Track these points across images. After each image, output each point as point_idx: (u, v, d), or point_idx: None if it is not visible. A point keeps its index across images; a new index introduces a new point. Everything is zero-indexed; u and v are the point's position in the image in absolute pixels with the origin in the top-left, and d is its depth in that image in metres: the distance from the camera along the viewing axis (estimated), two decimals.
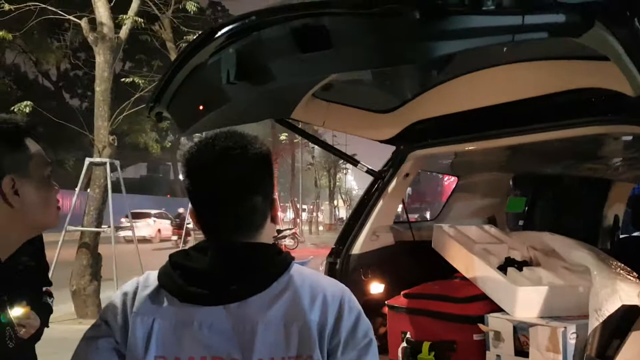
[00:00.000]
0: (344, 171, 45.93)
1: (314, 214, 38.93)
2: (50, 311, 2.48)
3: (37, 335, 2.20)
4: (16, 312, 1.48)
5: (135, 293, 1.13)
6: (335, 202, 46.64)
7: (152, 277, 1.15)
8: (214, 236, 1.16)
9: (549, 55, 2.23)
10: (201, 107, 2.21)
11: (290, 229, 23.23)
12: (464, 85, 2.55)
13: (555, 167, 3.62)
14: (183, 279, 1.11)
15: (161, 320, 1.09)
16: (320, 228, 38.29)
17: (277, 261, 1.14)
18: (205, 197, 1.15)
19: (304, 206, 41.67)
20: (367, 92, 2.82)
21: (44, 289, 2.52)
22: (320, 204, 41.65)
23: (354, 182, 68.61)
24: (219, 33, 1.79)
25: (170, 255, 1.16)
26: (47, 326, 2.38)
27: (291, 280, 1.12)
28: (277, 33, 1.63)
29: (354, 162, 3.09)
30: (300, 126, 3.11)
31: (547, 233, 2.73)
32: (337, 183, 46.55)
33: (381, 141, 3.08)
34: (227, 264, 1.11)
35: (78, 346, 1.13)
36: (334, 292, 1.15)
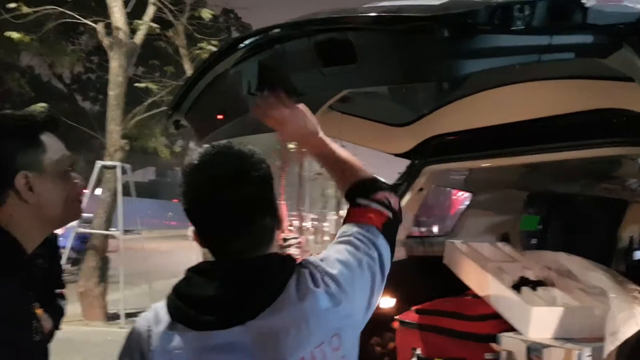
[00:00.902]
0: None
1: (321, 224, 38.88)
2: (62, 314, 2.49)
3: (49, 336, 2.22)
4: None
5: (149, 331, 1.13)
6: (341, 212, 46.59)
7: (161, 312, 1.14)
8: (223, 257, 1.16)
9: (570, 74, 2.21)
10: (220, 117, 2.21)
11: (295, 238, 23.19)
12: (482, 101, 2.54)
13: (571, 186, 3.59)
14: (194, 309, 1.11)
15: (181, 352, 1.09)
16: (326, 238, 38.21)
17: (282, 269, 1.14)
18: (214, 223, 1.14)
19: (311, 215, 41.67)
20: (384, 106, 2.81)
21: (57, 291, 2.53)
22: (326, 214, 41.63)
23: None
24: (242, 44, 1.80)
25: (174, 287, 1.15)
26: (59, 328, 2.39)
27: (298, 280, 1.13)
28: (301, 46, 1.63)
29: None
30: None
31: (563, 253, 2.70)
32: None
33: (396, 155, 3.07)
34: (235, 285, 1.10)
35: None
36: (323, 269, 1.17)
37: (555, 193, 3.83)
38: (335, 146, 1.41)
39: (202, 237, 1.16)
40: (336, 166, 1.41)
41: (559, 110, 2.38)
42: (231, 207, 1.11)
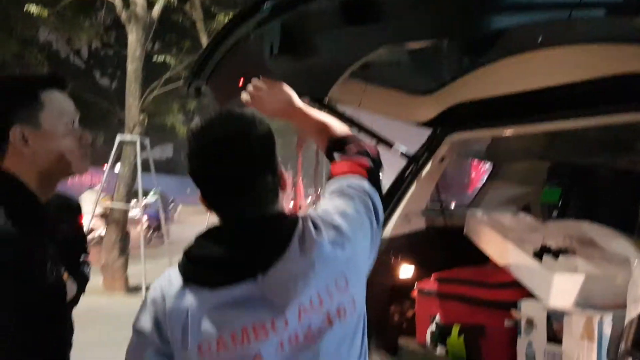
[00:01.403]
0: None
1: None
2: (87, 279, 2.53)
3: (75, 300, 2.26)
4: None
5: (163, 295, 1.17)
6: None
7: (174, 275, 1.19)
8: (229, 218, 1.21)
9: (598, 37, 2.16)
10: (241, 83, 2.20)
11: None
12: (506, 68, 2.49)
13: (594, 158, 3.54)
14: (205, 268, 1.16)
15: (194, 310, 1.13)
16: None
17: (286, 224, 1.19)
18: (217, 184, 1.18)
19: None
20: (406, 73, 2.77)
21: (82, 258, 2.57)
22: None
23: None
24: (264, 6, 1.78)
25: (185, 251, 1.20)
26: (84, 292, 2.44)
27: (302, 232, 1.18)
28: (324, 5, 1.61)
29: (389, 145, 3.05)
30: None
31: (586, 222, 2.67)
32: None
33: (417, 124, 3.04)
34: (243, 243, 1.15)
35: None
36: (324, 219, 1.22)
37: (578, 164, 3.78)
38: (314, 112, 1.52)
39: (207, 200, 1.22)
40: (316, 130, 1.51)
41: (585, 76, 2.33)
42: (232, 166, 1.16)
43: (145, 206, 12.20)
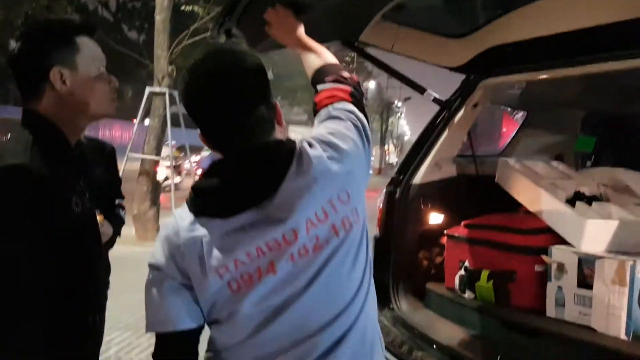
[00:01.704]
0: (397, 115, 45.15)
1: None
2: (122, 222, 2.60)
3: (111, 242, 2.34)
4: None
5: (175, 231, 1.21)
6: (386, 147, 46.24)
7: (183, 212, 1.23)
8: (229, 151, 1.24)
9: None
10: None
11: None
12: (543, 9, 2.40)
13: (629, 106, 3.44)
14: (213, 200, 1.20)
15: (208, 239, 1.18)
16: (370, 172, 38.30)
17: (284, 150, 1.23)
18: (213, 116, 1.22)
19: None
20: (440, 15, 2.70)
21: (117, 201, 2.63)
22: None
23: (406, 127, 67.33)
24: None
25: (192, 188, 1.24)
26: (119, 235, 2.51)
27: (300, 155, 1.23)
28: None
29: (421, 90, 3.01)
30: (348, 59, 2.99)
31: (621, 169, 2.62)
32: (389, 128, 46.00)
33: (451, 69, 2.98)
34: (246, 173, 1.20)
35: (146, 298, 1.22)
36: (319, 139, 1.28)
37: (613, 113, 3.68)
38: (311, 42, 1.62)
39: (205, 136, 1.25)
40: (310, 57, 1.58)
41: (626, 16, 2.23)
42: (225, 98, 1.19)
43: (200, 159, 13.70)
